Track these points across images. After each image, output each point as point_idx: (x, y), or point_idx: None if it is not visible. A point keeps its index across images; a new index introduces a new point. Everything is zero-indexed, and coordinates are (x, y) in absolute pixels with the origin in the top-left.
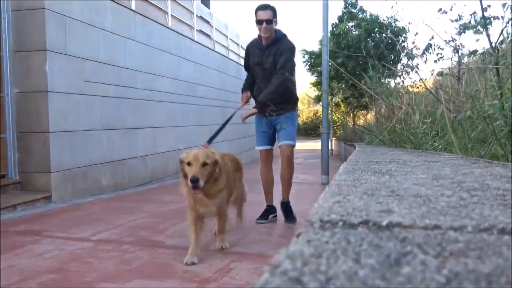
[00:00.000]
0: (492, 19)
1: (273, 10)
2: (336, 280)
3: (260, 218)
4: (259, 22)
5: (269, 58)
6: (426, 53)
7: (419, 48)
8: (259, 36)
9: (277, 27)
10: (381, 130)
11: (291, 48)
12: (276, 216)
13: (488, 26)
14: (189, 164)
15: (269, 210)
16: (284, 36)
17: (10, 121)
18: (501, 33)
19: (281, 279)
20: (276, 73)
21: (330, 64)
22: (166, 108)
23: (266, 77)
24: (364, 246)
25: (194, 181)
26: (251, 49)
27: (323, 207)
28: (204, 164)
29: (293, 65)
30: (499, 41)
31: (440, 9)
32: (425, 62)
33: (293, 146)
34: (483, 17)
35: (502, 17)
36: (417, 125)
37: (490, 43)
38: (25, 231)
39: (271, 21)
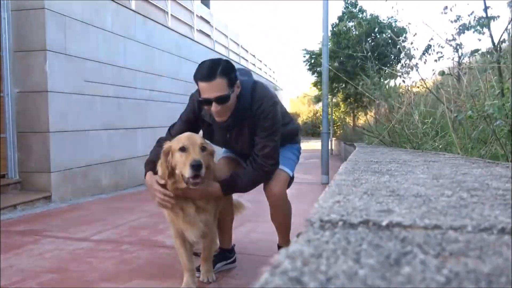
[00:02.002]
0: (492, 19)
1: (226, 73)
2: (336, 280)
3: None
4: (205, 102)
5: (240, 140)
6: (426, 54)
7: (417, 49)
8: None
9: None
10: (381, 130)
11: (270, 121)
12: (232, 262)
13: (490, 25)
14: (183, 149)
15: (220, 255)
16: (254, 96)
17: (10, 121)
18: (504, 32)
19: (281, 279)
20: (254, 159)
21: (330, 64)
22: (166, 108)
23: (242, 152)
24: (364, 246)
25: (197, 166)
26: (199, 111)
27: (323, 207)
28: (203, 149)
29: (280, 122)
30: (500, 40)
31: (446, 7)
32: (425, 62)
33: (289, 176)
34: (486, 16)
35: (499, 17)
36: (417, 125)
37: (493, 42)
38: (25, 231)
39: (226, 98)
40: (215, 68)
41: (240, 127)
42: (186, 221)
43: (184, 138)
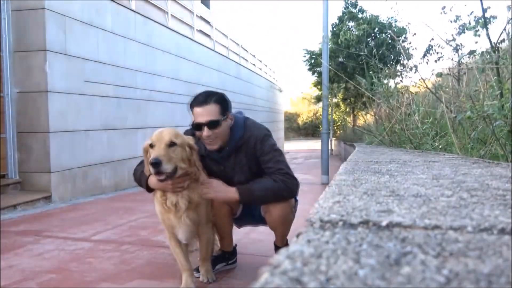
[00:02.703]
0: (491, 19)
1: (219, 101)
2: (336, 280)
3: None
4: (197, 127)
5: (237, 171)
6: (428, 54)
7: (416, 48)
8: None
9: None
10: (381, 131)
11: (266, 142)
12: (232, 263)
13: (488, 26)
14: (152, 146)
15: (221, 257)
16: (247, 126)
17: (10, 121)
18: (502, 32)
19: (281, 279)
20: (269, 172)
21: (330, 64)
22: (166, 108)
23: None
24: (364, 246)
25: (155, 164)
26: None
27: (323, 207)
28: (172, 144)
29: (277, 145)
30: (499, 40)
31: (444, 7)
32: (427, 63)
33: (294, 200)
34: (483, 16)
35: (496, 17)
36: (416, 125)
37: (491, 42)
38: (25, 231)
39: (217, 123)
40: (210, 96)
41: (235, 157)
42: (176, 216)
43: (154, 134)
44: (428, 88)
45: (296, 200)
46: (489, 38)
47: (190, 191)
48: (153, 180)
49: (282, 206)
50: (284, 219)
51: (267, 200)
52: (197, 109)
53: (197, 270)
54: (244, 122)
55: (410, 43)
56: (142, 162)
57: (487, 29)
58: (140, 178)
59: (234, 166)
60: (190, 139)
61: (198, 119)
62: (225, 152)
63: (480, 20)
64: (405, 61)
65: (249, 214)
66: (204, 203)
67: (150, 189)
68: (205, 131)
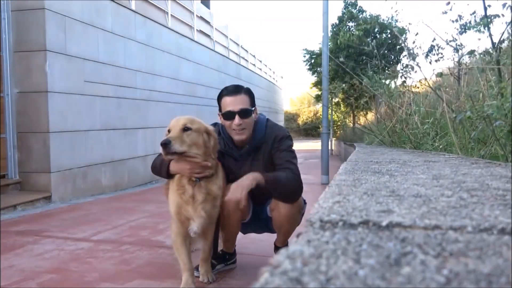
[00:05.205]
0: (492, 17)
1: (249, 93)
2: (336, 280)
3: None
4: (227, 115)
5: (254, 170)
6: (430, 54)
7: (420, 47)
8: (225, 132)
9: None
10: (381, 130)
11: (284, 142)
12: (232, 263)
13: (489, 25)
14: (169, 131)
15: (221, 257)
16: (268, 126)
17: (10, 121)
18: (503, 33)
19: (281, 279)
20: (279, 169)
21: (330, 64)
22: (166, 108)
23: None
24: (364, 246)
25: (164, 144)
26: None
27: (323, 207)
28: (186, 129)
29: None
30: (500, 40)
31: (445, 12)
32: (430, 63)
33: (302, 201)
34: (486, 16)
35: (503, 15)
36: (417, 125)
37: (492, 42)
38: (25, 231)
39: (248, 112)
40: (240, 87)
41: (254, 156)
42: (193, 207)
43: (172, 121)
44: (431, 87)
45: (305, 203)
46: (490, 38)
47: (209, 183)
48: (174, 165)
49: (291, 205)
50: (290, 218)
51: (288, 184)
52: (229, 98)
53: (197, 269)
54: (266, 123)
55: (414, 42)
56: (160, 155)
57: (488, 28)
58: (160, 166)
59: (251, 165)
60: (208, 126)
61: (229, 108)
62: (244, 150)
63: (482, 20)
64: (408, 61)
65: (257, 219)
66: (220, 198)
67: (170, 175)
68: (237, 119)
